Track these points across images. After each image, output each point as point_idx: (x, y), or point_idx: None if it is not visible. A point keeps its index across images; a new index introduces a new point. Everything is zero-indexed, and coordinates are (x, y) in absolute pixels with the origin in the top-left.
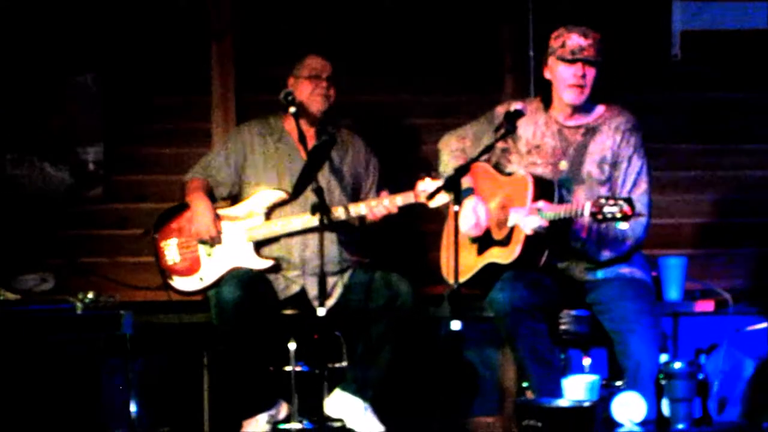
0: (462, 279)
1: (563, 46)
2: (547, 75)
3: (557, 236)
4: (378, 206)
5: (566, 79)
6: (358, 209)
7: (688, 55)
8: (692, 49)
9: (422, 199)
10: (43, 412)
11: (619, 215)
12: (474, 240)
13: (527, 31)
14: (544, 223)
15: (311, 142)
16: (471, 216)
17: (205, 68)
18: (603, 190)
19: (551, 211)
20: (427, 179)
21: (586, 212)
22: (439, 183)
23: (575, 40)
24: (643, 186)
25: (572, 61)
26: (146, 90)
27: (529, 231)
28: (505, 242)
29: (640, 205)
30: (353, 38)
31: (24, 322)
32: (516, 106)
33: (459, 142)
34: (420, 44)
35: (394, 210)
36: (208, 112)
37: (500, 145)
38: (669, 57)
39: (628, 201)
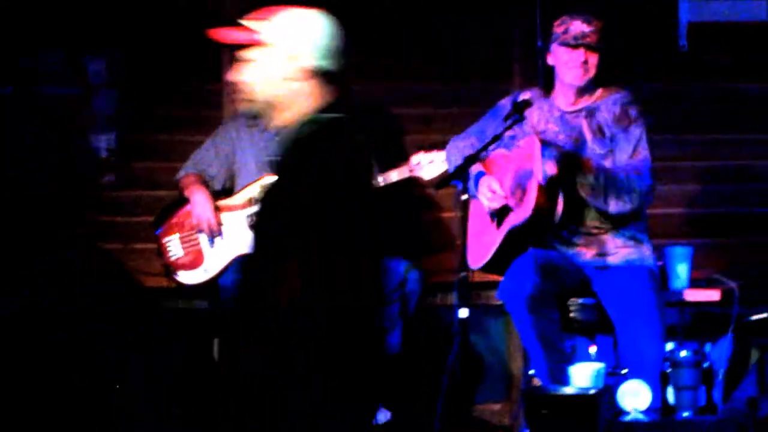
0: (488, 256)
1: (566, 32)
2: (550, 61)
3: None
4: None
5: (568, 62)
6: None
7: (696, 47)
8: (700, 41)
9: (417, 173)
10: (60, 398)
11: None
12: (493, 217)
13: (535, 22)
14: (552, 165)
15: None
16: (487, 191)
17: (217, 56)
18: (607, 163)
19: (556, 153)
20: (421, 152)
21: (588, 144)
22: (431, 155)
23: (578, 26)
24: (642, 152)
25: (575, 46)
26: (159, 77)
27: (542, 180)
28: (520, 203)
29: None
30: (360, 24)
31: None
32: (524, 96)
33: (464, 141)
34: (427, 32)
35: (387, 183)
36: (218, 100)
37: (508, 133)
38: (677, 48)
39: None
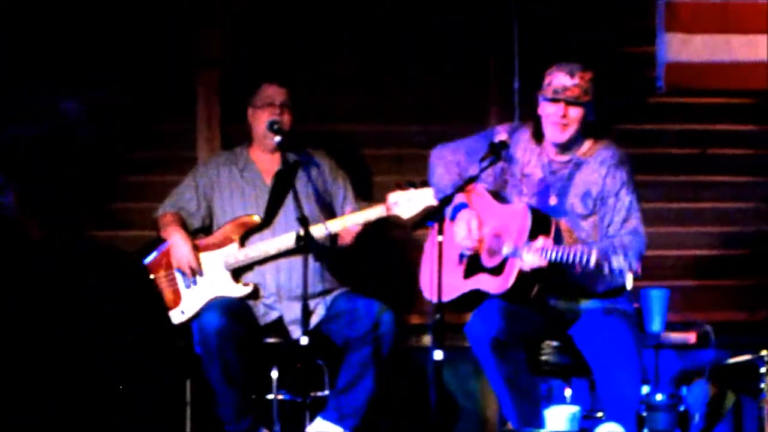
0: (446, 298)
1: (549, 84)
2: (540, 111)
3: (553, 274)
4: (352, 221)
5: (549, 116)
6: (334, 225)
7: (673, 87)
8: (677, 81)
9: (395, 211)
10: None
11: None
12: (462, 258)
13: (513, 63)
14: (544, 262)
15: (275, 168)
16: (465, 228)
17: (190, 96)
18: (585, 224)
19: (554, 252)
20: (398, 191)
21: (592, 262)
22: (409, 193)
23: (560, 79)
24: (633, 222)
25: (554, 101)
26: (131, 117)
27: (527, 268)
28: (496, 272)
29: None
30: (339, 68)
31: None
32: (501, 137)
33: (453, 155)
34: (405, 73)
35: (364, 223)
36: (193, 140)
37: (502, 164)
38: (654, 89)
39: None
